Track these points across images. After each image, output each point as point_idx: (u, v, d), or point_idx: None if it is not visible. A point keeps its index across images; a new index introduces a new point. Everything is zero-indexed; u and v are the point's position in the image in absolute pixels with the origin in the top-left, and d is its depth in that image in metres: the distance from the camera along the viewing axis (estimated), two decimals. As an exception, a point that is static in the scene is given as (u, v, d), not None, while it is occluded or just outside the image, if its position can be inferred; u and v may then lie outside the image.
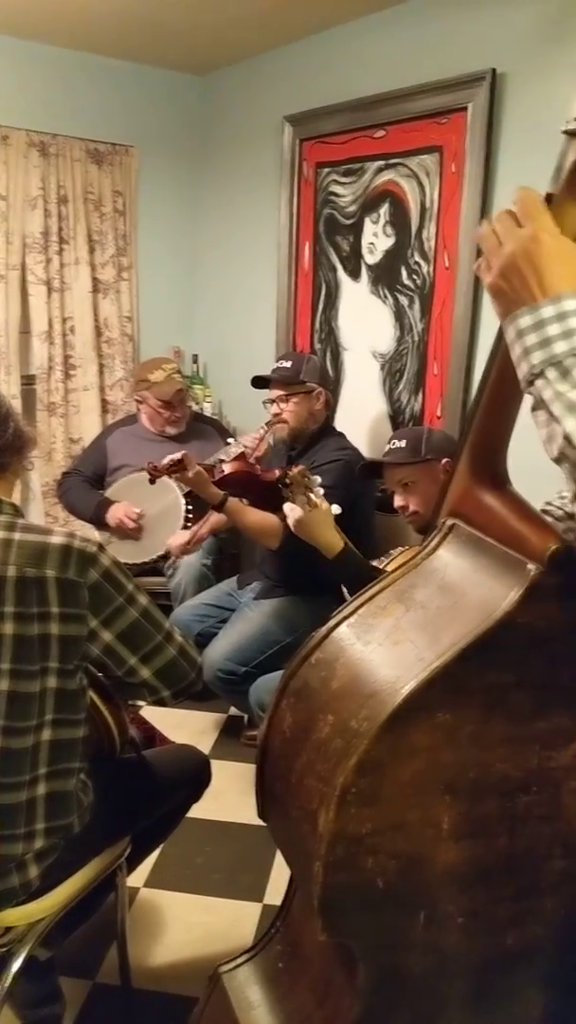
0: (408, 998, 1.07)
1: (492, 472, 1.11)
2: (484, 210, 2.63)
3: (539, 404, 0.86)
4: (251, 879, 2.26)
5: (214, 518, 2.90)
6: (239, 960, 1.25)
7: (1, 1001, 1.52)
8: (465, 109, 2.61)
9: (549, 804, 1.01)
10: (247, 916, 2.14)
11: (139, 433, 3.42)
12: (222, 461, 2.75)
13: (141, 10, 3.06)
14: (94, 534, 3.18)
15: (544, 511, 1.30)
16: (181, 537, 3.01)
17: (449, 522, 1.12)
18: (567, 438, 0.82)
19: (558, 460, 0.85)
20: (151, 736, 2.01)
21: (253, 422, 3.27)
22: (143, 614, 1.49)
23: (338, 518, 2.08)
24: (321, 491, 2.03)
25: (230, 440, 3.24)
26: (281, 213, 3.48)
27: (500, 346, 0.99)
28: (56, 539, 1.41)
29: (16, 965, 1.50)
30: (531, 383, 0.86)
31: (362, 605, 1.08)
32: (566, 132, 0.86)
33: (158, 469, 2.59)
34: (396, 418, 3.12)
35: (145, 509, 3.17)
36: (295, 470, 2.01)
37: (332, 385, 3.29)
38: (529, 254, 0.86)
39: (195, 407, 3.86)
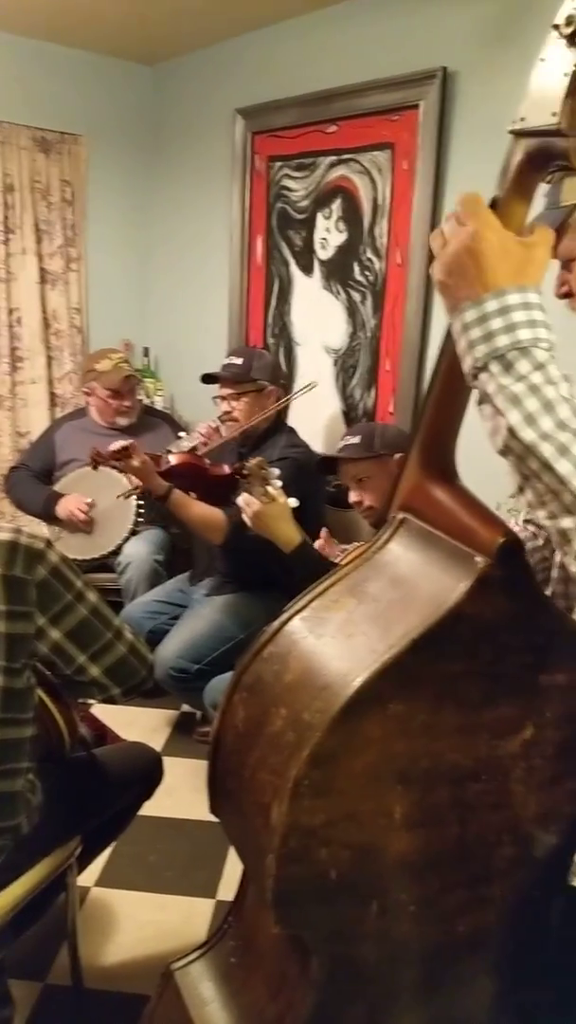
0: (361, 988, 1.07)
1: (442, 467, 1.12)
2: (435, 207, 2.65)
3: (484, 398, 0.88)
4: (204, 875, 2.25)
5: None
6: (191, 957, 1.24)
7: (-51, 1005, 1.49)
8: (417, 106, 2.63)
9: (498, 792, 1.02)
10: (200, 913, 2.13)
11: (88, 427, 3.37)
12: (169, 452, 2.72)
13: (90, -2, 3.02)
14: (43, 529, 3.14)
15: (527, 522, 1.33)
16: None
17: (400, 516, 1.13)
18: (511, 430, 0.83)
19: (503, 453, 0.87)
20: (102, 734, 1.99)
21: (205, 416, 3.24)
22: (92, 611, 1.48)
23: (294, 514, 2.08)
24: (279, 483, 2.02)
25: (181, 434, 3.21)
26: (233, 206, 3.47)
27: (449, 342, 1.00)
28: (2, 535, 1.38)
29: (-36, 968, 1.47)
30: (475, 377, 0.87)
31: (315, 599, 1.08)
32: (512, 132, 0.87)
33: (102, 455, 2.55)
34: (349, 414, 3.13)
35: (96, 502, 3.13)
36: (253, 462, 2.00)
37: (285, 380, 3.29)
38: (471, 251, 0.87)
39: (146, 401, 3.82)
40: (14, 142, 3.58)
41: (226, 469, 2.59)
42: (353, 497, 2.34)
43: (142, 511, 3.13)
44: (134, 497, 3.02)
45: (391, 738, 0.93)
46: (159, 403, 3.93)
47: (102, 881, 2.22)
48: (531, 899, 1.11)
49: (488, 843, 1.04)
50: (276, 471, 2.03)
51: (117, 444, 2.48)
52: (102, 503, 3.12)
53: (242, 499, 2.04)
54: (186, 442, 3.13)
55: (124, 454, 2.47)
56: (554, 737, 1.03)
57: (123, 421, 3.31)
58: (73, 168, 3.78)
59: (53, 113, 3.68)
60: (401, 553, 1.08)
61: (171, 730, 2.99)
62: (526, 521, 1.34)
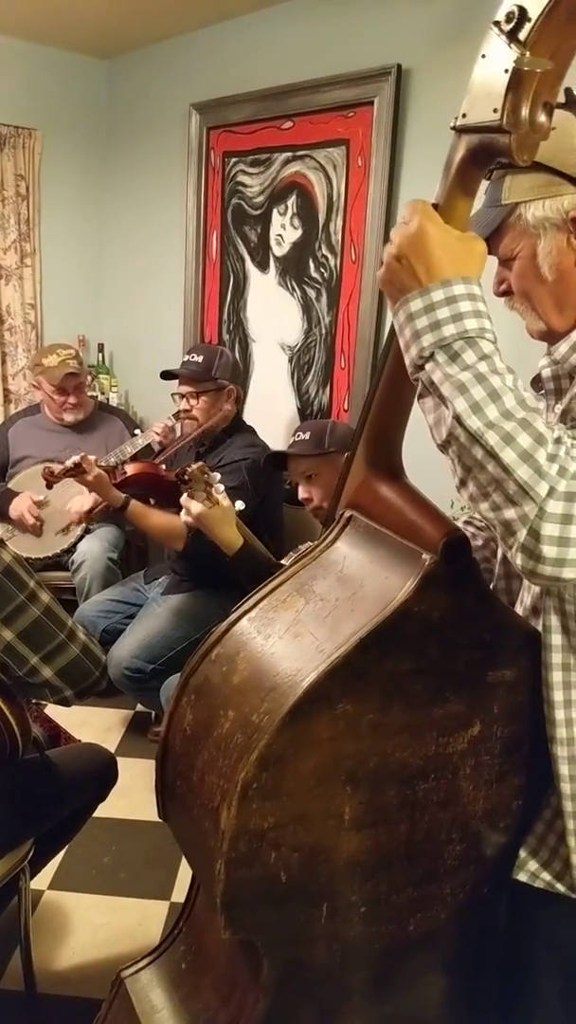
0: (313, 990, 1.07)
1: (388, 464, 1.12)
2: (390, 203, 2.65)
3: (427, 390, 0.87)
4: (159, 877, 2.24)
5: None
6: (141, 964, 1.22)
7: None
8: (371, 103, 2.63)
9: (447, 790, 1.03)
10: (154, 915, 2.11)
11: (42, 424, 3.32)
12: (124, 462, 2.68)
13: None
14: (-5, 528, 3.08)
15: (467, 523, 1.33)
16: (84, 502, 2.84)
17: (347, 514, 1.13)
18: (456, 418, 0.83)
19: (445, 444, 0.86)
20: (55, 735, 1.96)
21: (160, 413, 3.22)
22: (45, 612, 1.45)
23: (247, 514, 2.07)
24: (221, 488, 2.01)
25: (136, 432, 3.18)
26: (188, 201, 3.44)
27: (393, 340, 1.00)
28: (-50, 535, 1.36)
29: None
30: (420, 367, 0.87)
31: (263, 599, 1.07)
32: (454, 128, 0.87)
33: (55, 475, 2.52)
34: (304, 411, 3.13)
35: (48, 501, 3.08)
36: (193, 467, 1.99)
37: (241, 377, 3.27)
38: (415, 244, 0.87)
39: (100, 397, 3.78)
40: (-34, 135, 3.52)
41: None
42: (302, 494, 2.34)
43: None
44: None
45: (340, 738, 0.93)
46: (113, 399, 3.89)
47: (55, 884, 2.19)
48: (480, 896, 1.12)
49: (438, 841, 1.05)
50: (218, 475, 2.02)
51: (70, 461, 2.44)
52: (54, 502, 3.08)
53: (183, 500, 2.02)
54: (141, 439, 3.10)
55: (78, 470, 2.42)
56: (500, 733, 1.03)
57: (69, 417, 3.26)
58: (28, 162, 3.72)
59: (8, 107, 3.61)
60: (348, 551, 1.08)
61: (125, 730, 2.97)
62: (466, 522, 1.35)
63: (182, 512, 2.07)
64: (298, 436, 2.36)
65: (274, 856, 0.93)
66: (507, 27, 0.75)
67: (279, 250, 3.12)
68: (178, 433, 2.87)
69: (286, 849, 0.94)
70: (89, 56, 3.80)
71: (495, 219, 1.03)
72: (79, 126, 3.86)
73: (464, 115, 0.83)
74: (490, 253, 0.97)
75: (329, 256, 2.91)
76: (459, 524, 1.32)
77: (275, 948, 1.01)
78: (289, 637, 0.99)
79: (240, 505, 2.06)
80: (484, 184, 1.02)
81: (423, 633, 0.96)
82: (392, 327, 0.94)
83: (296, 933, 1.01)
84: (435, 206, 0.90)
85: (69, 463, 2.44)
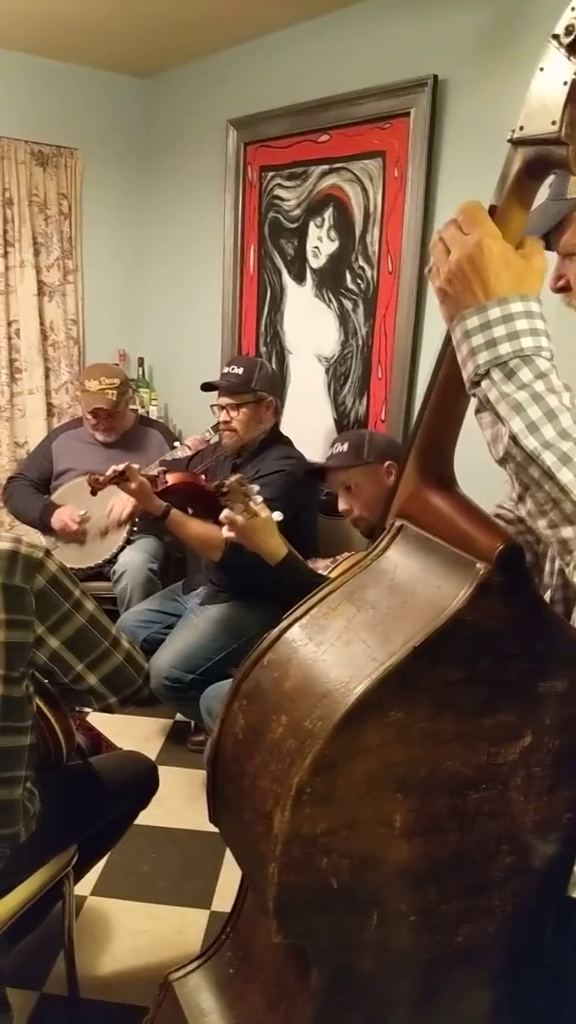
0: (359, 999, 1.07)
1: (439, 473, 1.12)
2: (427, 215, 2.66)
3: (484, 406, 0.88)
4: (197, 886, 2.24)
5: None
6: (189, 967, 1.23)
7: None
8: (408, 114, 2.65)
9: (497, 800, 1.02)
10: (194, 923, 2.12)
11: (84, 437, 3.38)
12: (165, 472, 2.72)
13: (85, 13, 3.03)
14: (40, 538, 3.13)
15: (496, 515, 1.32)
16: (124, 506, 2.90)
17: (397, 523, 1.13)
18: (513, 438, 0.83)
19: (503, 461, 0.87)
20: (97, 742, 1.98)
21: (199, 425, 3.25)
22: (90, 620, 1.48)
23: (282, 527, 2.08)
24: (260, 498, 2.02)
25: (176, 444, 3.22)
26: (226, 216, 3.48)
27: (447, 349, 1.01)
28: (2, 545, 1.39)
29: (-39, 979, 1.46)
30: (476, 384, 0.88)
31: (313, 607, 1.08)
32: (511, 141, 0.87)
33: (99, 482, 2.57)
34: (341, 422, 3.14)
35: (91, 513, 3.13)
36: (231, 479, 2.00)
37: (279, 389, 3.30)
38: (474, 259, 0.87)
39: (141, 410, 3.83)
40: (12, 156, 3.60)
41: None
42: (342, 505, 2.34)
43: (136, 527, 3.13)
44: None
45: (391, 746, 0.93)
46: (153, 412, 3.94)
47: (98, 890, 2.21)
48: (529, 909, 1.11)
49: (487, 852, 1.04)
50: (256, 487, 2.03)
51: (114, 469, 2.49)
52: (96, 513, 3.12)
53: (224, 514, 2.04)
54: (180, 452, 3.13)
55: (121, 478, 2.48)
56: (552, 745, 1.03)
57: (101, 438, 3.32)
58: (69, 181, 3.80)
59: (50, 127, 3.69)
60: (399, 560, 1.08)
61: (164, 739, 2.99)
62: (496, 515, 1.33)
63: (224, 528, 2.08)
64: (336, 448, 2.37)
65: (325, 862, 0.94)
66: (566, 40, 0.76)
67: (316, 262, 3.15)
68: (212, 441, 2.89)
69: (337, 855, 0.94)
70: (128, 75, 3.87)
71: (559, 213, 1.03)
72: (119, 144, 3.93)
73: (521, 127, 0.84)
74: (549, 248, 0.97)
75: (366, 267, 2.92)
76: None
77: (325, 954, 1.01)
78: (340, 644, 1.00)
79: (279, 515, 2.07)
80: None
81: (475, 642, 0.96)
82: (448, 333, 0.95)
83: (346, 940, 1.01)
84: (490, 211, 0.90)
85: (114, 469, 2.49)
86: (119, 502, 2.95)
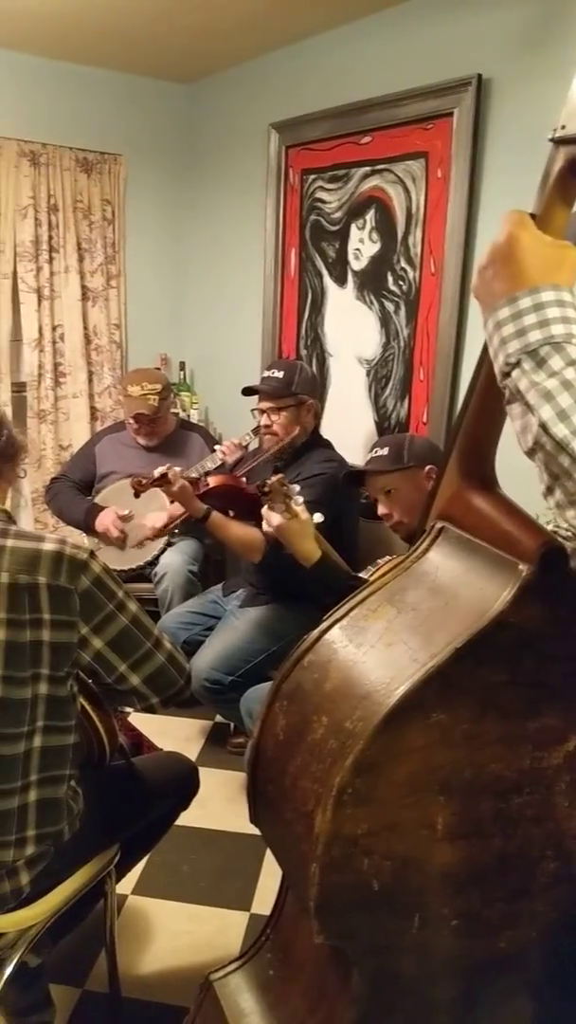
0: (400, 1003, 1.06)
1: (481, 475, 1.11)
2: (470, 215, 2.64)
3: (514, 396, 0.87)
4: (237, 888, 2.25)
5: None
6: (230, 968, 1.24)
7: (-9, 1009, 1.51)
8: (451, 114, 2.63)
9: (541, 805, 1.01)
10: (233, 925, 2.13)
11: (127, 441, 3.41)
12: (207, 474, 2.75)
13: (128, 20, 3.07)
14: (83, 540, 3.18)
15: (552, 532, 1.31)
16: (158, 519, 3.02)
17: (439, 525, 1.13)
18: (543, 426, 0.82)
19: (531, 451, 0.86)
20: (138, 743, 2.00)
21: (240, 428, 3.27)
22: (133, 621, 1.49)
23: (323, 531, 2.08)
24: (300, 499, 2.03)
25: (216, 447, 3.24)
26: (267, 220, 3.49)
27: (488, 349, 1.00)
28: (48, 546, 1.41)
29: (7, 972, 1.49)
30: (507, 374, 0.87)
31: (354, 608, 1.08)
32: (552, 140, 0.87)
33: (143, 484, 2.61)
34: (382, 424, 3.13)
35: (133, 514, 3.18)
36: (273, 479, 2.01)
37: (320, 392, 3.30)
38: (504, 252, 0.87)
39: (182, 414, 3.86)
40: (57, 164, 3.66)
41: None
42: (381, 510, 2.33)
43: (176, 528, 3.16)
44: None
45: (433, 747, 0.93)
46: (194, 416, 3.96)
47: (138, 890, 2.22)
48: (572, 917, 1.09)
49: (530, 857, 1.03)
50: (296, 487, 2.04)
51: (158, 471, 2.53)
52: (139, 514, 3.16)
53: (263, 512, 2.05)
54: (219, 456, 3.16)
55: (164, 480, 2.52)
56: (598, 749, 1.01)
57: (143, 442, 3.35)
58: (113, 187, 3.85)
59: (94, 134, 3.75)
60: (441, 562, 1.08)
61: (204, 740, 3.00)
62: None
63: (263, 523, 2.10)
64: (375, 452, 2.35)
65: (366, 863, 0.93)
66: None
67: (357, 264, 3.14)
68: (252, 447, 2.91)
69: (378, 857, 0.94)
70: (170, 81, 3.91)
71: None
72: (161, 150, 3.97)
73: (563, 126, 0.83)
74: None
75: (408, 269, 2.91)
76: None
77: (365, 957, 1.01)
78: (381, 646, 0.99)
79: (319, 517, 2.07)
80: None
81: (518, 644, 0.95)
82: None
83: (387, 942, 1.00)
84: (532, 216, 0.90)
85: (156, 474, 2.52)
86: (155, 515, 3.01)
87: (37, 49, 3.48)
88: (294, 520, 2.01)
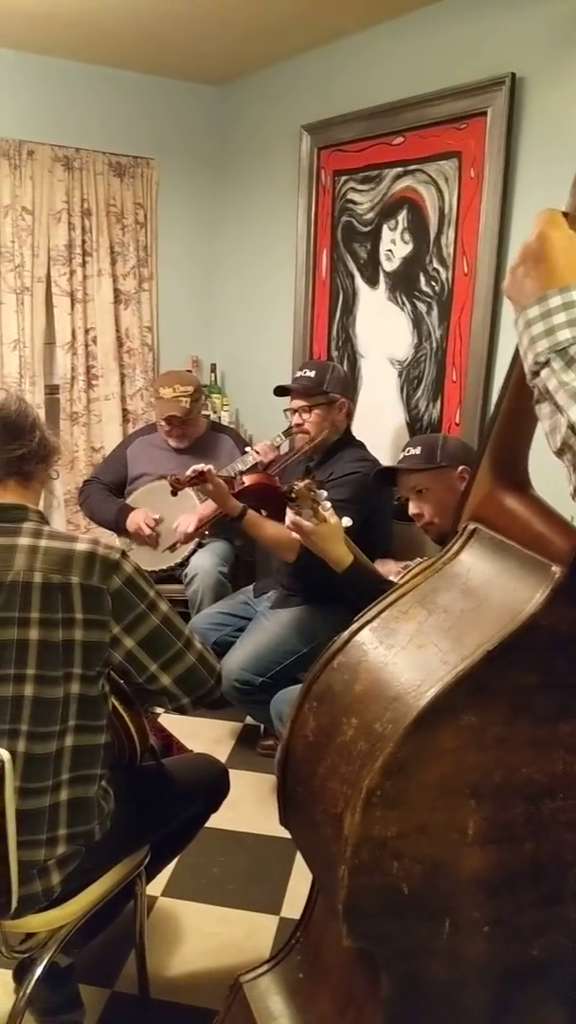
0: (430, 1008, 1.05)
1: (513, 476, 1.10)
2: (504, 214, 2.62)
3: (543, 396, 0.85)
4: (267, 891, 2.24)
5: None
6: (260, 970, 1.24)
7: (23, 1006, 1.52)
8: (484, 114, 2.61)
9: (574, 811, 0.99)
10: (263, 928, 2.12)
11: (158, 443, 3.43)
12: (241, 473, 2.76)
13: (160, 24, 3.09)
14: (115, 541, 3.20)
15: None
16: (190, 521, 3.03)
17: (471, 526, 1.11)
18: (571, 427, 0.81)
19: (560, 452, 0.84)
20: (168, 744, 2.00)
21: (270, 430, 3.27)
22: (164, 621, 1.49)
23: (355, 529, 2.06)
24: (328, 504, 2.01)
25: (248, 449, 3.24)
26: (299, 221, 3.49)
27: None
28: (81, 546, 1.42)
29: (38, 971, 1.50)
30: (536, 373, 0.85)
31: (384, 610, 1.07)
32: None
33: (180, 481, 2.63)
34: (414, 425, 3.11)
35: (163, 516, 3.19)
36: (300, 485, 2.00)
37: (352, 392, 3.28)
38: (535, 251, 0.86)
39: (213, 416, 3.87)
40: (91, 168, 3.70)
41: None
42: (412, 509, 2.31)
43: (207, 531, 3.17)
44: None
45: (464, 750, 0.92)
46: (225, 418, 3.98)
47: (168, 891, 2.23)
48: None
49: (564, 863, 1.01)
50: (324, 492, 2.02)
51: (195, 469, 2.54)
52: (169, 517, 3.17)
53: (290, 519, 2.03)
54: (251, 457, 3.16)
55: (200, 479, 2.53)
56: None
57: (173, 444, 3.37)
58: (145, 190, 3.88)
59: (127, 138, 3.78)
60: (473, 563, 1.07)
61: (234, 742, 3.00)
62: None
63: (291, 522, 2.09)
64: (408, 451, 2.34)
65: (396, 866, 0.93)
66: None
67: (389, 265, 3.13)
68: (284, 450, 2.91)
69: (408, 860, 0.93)
70: (202, 84, 3.93)
71: None
72: (193, 153, 3.99)
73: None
74: None
75: (440, 269, 2.89)
76: None
77: (395, 960, 1.00)
78: (412, 648, 0.98)
79: (347, 521, 2.06)
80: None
81: (550, 647, 0.94)
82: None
83: (417, 947, 0.99)
84: (565, 215, 0.88)
85: (195, 469, 2.54)
86: (185, 518, 3.01)
87: (70, 54, 3.52)
88: (323, 525, 2.00)
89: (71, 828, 1.45)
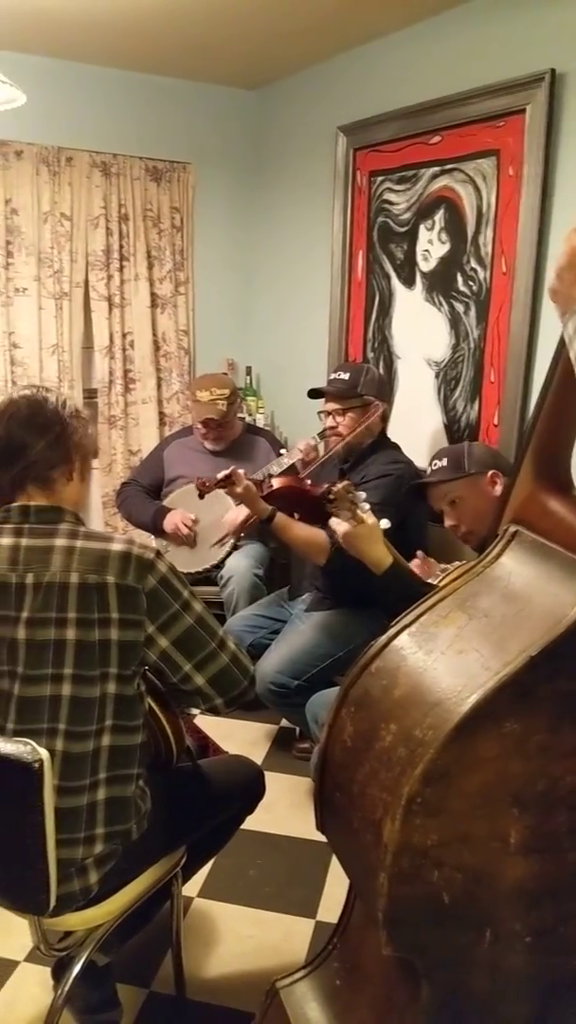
0: (472, 1019, 1.03)
1: (556, 477, 1.08)
2: (543, 213, 2.58)
3: None
4: (303, 894, 2.23)
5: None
6: (296, 976, 1.23)
7: (62, 1004, 1.53)
8: (523, 111, 2.58)
9: (620, 820, 0.97)
10: (299, 932, 2.11)
11: (194, 445, 3.45)
12: (271, 476, 2.75)
13: (194, 28, 3.10)
14: (152, 542, 3.21)
15: None
16: (239, 512, 2.99)
17: (512, 529, 1.10)
18: None
19: None
20: (204, 745, 2.00)
21: (305, 432, 3.26)
22: (198, 621, 1.50)
23: (390, 533, 2.05)
24: (367, 506, 2.00)
25: (282, 451, 3.24)
26: (334, 223, 3.48)
27: (562, 349, 0.97)
28: (116, 546, 1.42)
29: (75, 969, 1.51)
30: None
31: (423, 614, 1.06)
32: None
33: (207, 485, 2.63)
34: (451, 427, 3.08)
35: (200, 518, 3.20)
36: (339, 486, 1.99)
37: (387, 394, 3.26)
38: None
39: (248, 419, 3.88)
40: (128, 174, 3.72)
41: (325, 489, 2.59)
42: (448, 521, 2.30)
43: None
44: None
45: (506, 758, 0.90)
46: (260, 420, 3.98)
47: (204, 892, 2.23)
48: None
49: (609, 874, 0.99)
50: (363, 494, 2.01)
51: (222, 473, 2.54)
52: (205, 519, 3.18)
53: (333, 522, 2.03)
54: (286, 459, 3.16)
55: (228, 482, 2.53)
56: None
57: (209, 446, 3.38)
58: (182, 195, 3.90)
59: (164, 144, 3.80)
60: (514, 567, 1.05)
61: (270, 744, 2.99)
62: None
63: (333, 527, 2.08)
64: (435, 464, 2.34)
65: (437, 875, 0.91)
66: None
67: (426, 265, 3.11)
68: (321, 452, 2.89)
69: (449, 869, 0.92)
70: (238, 88, 3.94)
71: None
72: (229, 156, 4.00)
73: None
74: None
75: (478, 269, 2.86)
76: None
77: (436, 970, 0.98)
78: (452, 653, 0.97)
79: (386, 523, 2.05)
80: None
81: (596, 652, 0.92)
82: (563, 336, 0.91)
83: (457, 957, 0.98)
84: None
85: (221, 475, 2.54)
86: (233, 512, 3.04)
87: (106, 61, 3.55)
88: (362, 526, 1.99)
89: (108, 827, 1.46)
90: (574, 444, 1.08)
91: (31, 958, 1.95)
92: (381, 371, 3.30)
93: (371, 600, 2.49)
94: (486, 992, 1.01)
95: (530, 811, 0.92)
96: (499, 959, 0.99)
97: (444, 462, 2.30)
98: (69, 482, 1.52)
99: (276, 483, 2.59)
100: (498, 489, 2.22)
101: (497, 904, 0.95)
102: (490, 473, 2.23)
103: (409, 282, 3.20)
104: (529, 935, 0.98)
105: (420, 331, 3.17)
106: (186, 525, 3.19)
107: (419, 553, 2.31)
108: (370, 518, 2.00)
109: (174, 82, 3.79)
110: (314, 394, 2.78)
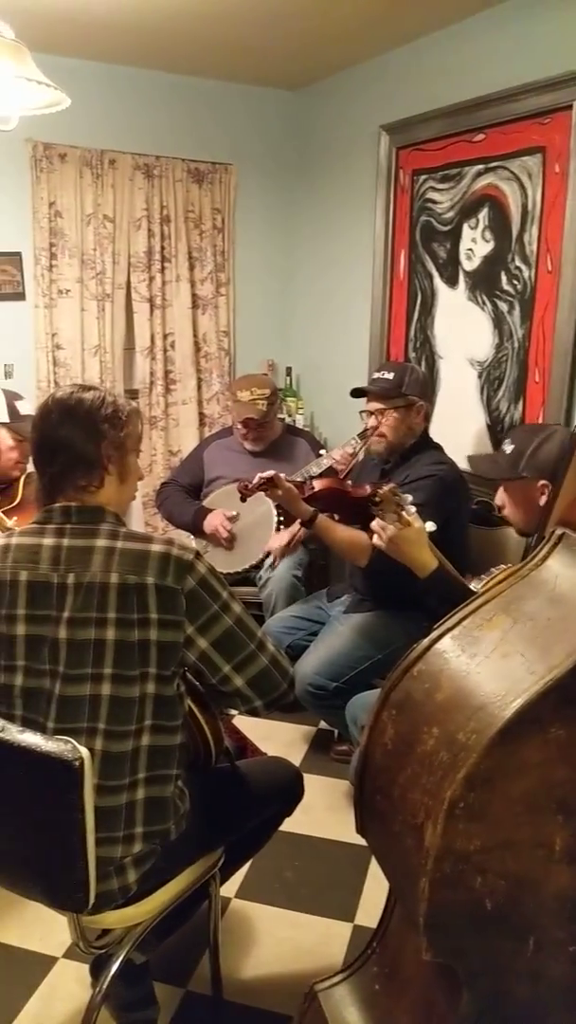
0: (513, 1029, 1.02)
1: (605, 478, 1.06)
2: (591, 210, 2.54)
3: None
4: (341, 897, 2.22)
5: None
6: (335, 979, 1.22)
7: (99, 1001, 1.53)
8: (569, 107, 2.53)
9: None
10: (337, 935, 2.10)
11: (234, 446, 3.45)
12: (312, 477, 2.74)
13: (237, 30, 3.11)
14: (191, 542, 3.23)
15: None
16: (281, 538, 3.07)
17: (558, 531, 1.07)
18: None
19: None
20: (243, 746, 2.00)
21: (345, 433, 3.24)
22: (237, 622, 1.49)
23: (432, 535, 2.02)
24: (413, 509, 1.98)
25: (322, 452, 3.23)
26: (376, 223, 3.47)
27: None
28: (156, 547, 1.43)
29: (114, 967, 1.51)
30: None
31: (466, 617, 1.04)
32: None
33: (248, 488, 2.63)
34: (495, 427, 3.04)
35: (239, 518, 3.20)
36: (385, 488, 1.97)
37: (431, 394, 3.23)
38: None
39: (288, 419, 3.87)
40: (170, 175, 3.75)
41: (367, 490, 2.57)
42: (497, 500, 2.25)
43: (282, 526, 3.16)
44: (275, 516, 3.09)
45: (551, 764, 0.88)
46: (300, 421, 3.97)
47: (242, 893, 2.23)
48: None
49: None
50: (409, 496, 1.99)
51: (262, 476, 2.54)
52: (246, 519, 3.19)
53: (376, 524, 2.01)
54: (325, 460, 3.15)
55: (269, 485, 2.52)
56: None
57: (249, 447, 3.38)
58: (223, 196, 3.91)
59: (206, 146, 3.82)
60: (560, 570, 1.03)
61: (308, 746, 2.98)
62: None
63: (374, 537, 2.06)
64: (506, 445, 2.22)
65: (479, 881, 0.90)
66: None
67: (469, 265, 3.07)
68: (360, 456, 2.87)
69: (492, 875, 0.90)
70: (279, 88, 3.94)
71: None
72: (271, 157, 4.01)
73: None
74: None
75: (523, 267, 2.82)
76: None
77: (477, 977, 0.96)
78: (496, 657, 0.95)
79: (431, 526, 2.02)
80: None
81: None
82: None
83: (499, 964, 0.96)
84: None
85: (262, 476, 2.53)
86: (276, 538, 3.11)
87: (148, 63, 3.58)
88: (408, 529, 1.97)
89: (147, 827, 1.46)
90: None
91: (69, 955, 1.96)
92: (424, 371, 3.28)
93: (411, 602, 2.47)
94: (528, 1001, 0.99)
95: (575, 819, 0.90)
96: (543, 968, 0.97)
97: (509, 449, 2.20)
98: (108, 481, 1.51)
99: (318, 485, 2.58)
100: (544, 500, 2.16)
101: (541, 912, 0.93)
102: (540, 483, 2.15)
103: (452, 281, 3.17)
104: (574, 944, 0.96)
105: (463, 331, 3.14)
106: (225, 527, 3.20)
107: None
108: (416, 521, 1.98)
109: (216, 84, 3.81)
110: (357, 393, 2.76)
